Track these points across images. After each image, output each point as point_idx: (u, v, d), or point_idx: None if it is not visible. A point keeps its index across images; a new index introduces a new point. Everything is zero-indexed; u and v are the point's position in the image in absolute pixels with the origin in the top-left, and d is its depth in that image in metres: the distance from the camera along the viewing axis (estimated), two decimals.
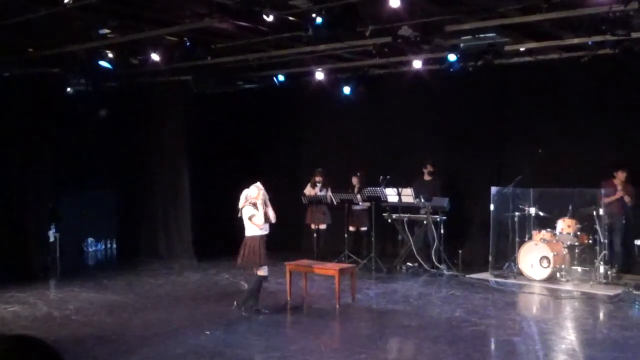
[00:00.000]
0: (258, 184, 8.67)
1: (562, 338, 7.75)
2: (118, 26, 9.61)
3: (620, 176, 10.99)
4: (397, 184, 12.01)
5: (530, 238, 11.27)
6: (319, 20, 8.24)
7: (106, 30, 9.82)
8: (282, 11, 8.47)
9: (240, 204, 8.62)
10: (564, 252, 10.94)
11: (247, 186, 8.79)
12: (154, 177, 13.98)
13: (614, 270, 10.67)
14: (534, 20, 8.91)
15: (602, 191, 10.86)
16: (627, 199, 10.93)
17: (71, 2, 7.73)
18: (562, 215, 11.14)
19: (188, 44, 9.87)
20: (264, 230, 8.63)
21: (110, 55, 10.62)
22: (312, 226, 13.30)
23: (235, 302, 8.81)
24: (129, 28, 9.66)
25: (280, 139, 15.12)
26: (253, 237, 8.58)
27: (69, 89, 12.15)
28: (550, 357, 7.03)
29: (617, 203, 10.96)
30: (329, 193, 13.00)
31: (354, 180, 13.10)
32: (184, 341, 7.45)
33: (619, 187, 10.96)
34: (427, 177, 12.62)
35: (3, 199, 11.74)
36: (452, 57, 10.38)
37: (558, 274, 10.88)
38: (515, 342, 7.49)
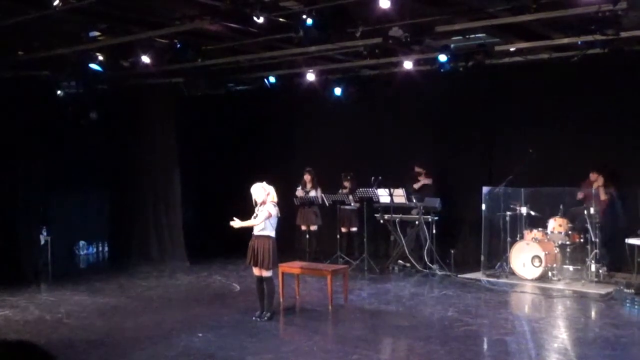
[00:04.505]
0: (265, 183, 8.59)
1: (554, 337, 7.77)
2: (108, 29, 9.58)
3: (593, 177, 11.03)
4: (389, 184, 12.03)
5: (521, 237, 11.30)
6: (309, 21, 8.24)
7: (96, 33, 9.79)
8: (273, 13, 8.47)
9: (262, 199, 8.36)
10: (556, 251, 10.98)
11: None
12: (145, 179, 13.93)
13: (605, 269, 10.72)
14: (524, 21, 8.94)
15: (592, 190, 10.91)
16: (602, 196, 10.93)
17: (61, 4, 7.70)
18: (553, 214, 11.19)
19: (179, 46, 9.87)
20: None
21: (101, 57, 10.60)
22: (303, 227, 13.32)
23: (258, 314, 8.54)
24: (119, 30, 9.63)
25: (271, 141, 15.11)
26: (272, 238, 8.43)
27: (59, 92, 12.11)
28: (542, 356, 7.05)
29: (597, 202, 10.97)
30: (320, 193, 13.01)
31: (345, 183, 13.11)
32: (176, 343, 7.43)
33: (595, 186, 11.00)
34: (421, 178, 12.64)
35: None
36: (442, 58, 10.42)
37: (550, 273, 10.92)
38: (508, 342, 7.51)
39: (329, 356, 6.98)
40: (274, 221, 8.40)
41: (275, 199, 8.48)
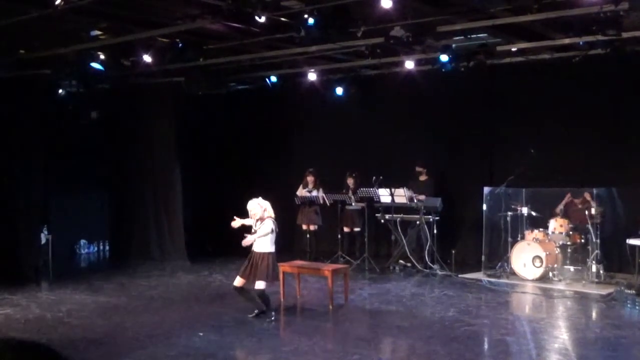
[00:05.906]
0: (260, 199, 8.59)
1: (554, 337, 7.77)
2: (109, 28, 9.58)
3: (587, 196, 11.03)
4: (390, 184, 12.02)
5: (522, 238, 11.29)
6: (310, 21, 8.24)
7: (97, 32, 9.80)
8: (274, 12, 8.46)
9: (259, 215, 8.39)
10: (556, 252, 10.97)
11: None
12: (146, 178, 13.94)
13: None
14: (525, 21, 8.93)
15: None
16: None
17: (62, 3, 7.70)
18: (554, 215, 11.19)
19: (180, 45, 9.86)
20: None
21: (102, 56, 10.59)
22: (304, 227, 13.32)
23: (256, 314, 8.55)
24: (120, 29, 9.63)
25: (272, 140, 15.11)
26: (272, 253, 8.42)
27: (60, 91, 12.11)
28: (542, 357, 7.04)
29: (581, 214, 10.97)
30: (322, 193, 13.00)
31: (349, 181, 13.10)
32: (176, 343, 7.43)
33: (579, 205, 11.04)
34: (422, 178, 12.65)
35: None
36: (444, 58, 10.40)
37: (550, 274, 10.91)
38: (508, 342, 7.50)
39: (329, 356, 6.98)
40: (272, 236, 8.43)
41: (273, 214, 8.50)
